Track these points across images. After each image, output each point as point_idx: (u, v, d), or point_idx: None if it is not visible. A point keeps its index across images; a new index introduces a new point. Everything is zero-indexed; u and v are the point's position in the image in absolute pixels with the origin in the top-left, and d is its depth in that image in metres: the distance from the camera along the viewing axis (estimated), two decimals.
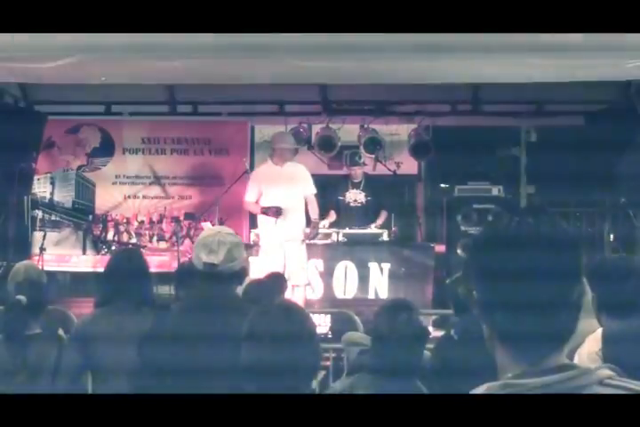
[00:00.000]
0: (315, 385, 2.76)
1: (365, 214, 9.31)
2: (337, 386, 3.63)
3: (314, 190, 8.40)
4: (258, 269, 7.96)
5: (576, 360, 2.95)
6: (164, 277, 8.65)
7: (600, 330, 3.09)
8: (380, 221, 9.26)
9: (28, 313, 4.57)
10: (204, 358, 3.03)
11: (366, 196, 9.38)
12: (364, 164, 9.47)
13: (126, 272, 4.29)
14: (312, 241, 8.67)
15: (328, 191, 9.30)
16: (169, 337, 3.22)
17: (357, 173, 9.39)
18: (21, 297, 4.48)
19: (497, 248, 1.59)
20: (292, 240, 8.17)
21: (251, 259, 8.31)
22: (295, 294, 8.03)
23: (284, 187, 8.16)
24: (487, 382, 1.59)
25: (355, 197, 9.40)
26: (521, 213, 1.63)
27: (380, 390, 3.24)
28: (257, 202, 8.32)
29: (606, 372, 1.56)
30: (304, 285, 8.28)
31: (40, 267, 5.57)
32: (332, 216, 9.33)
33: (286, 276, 7.35)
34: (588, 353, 3.04)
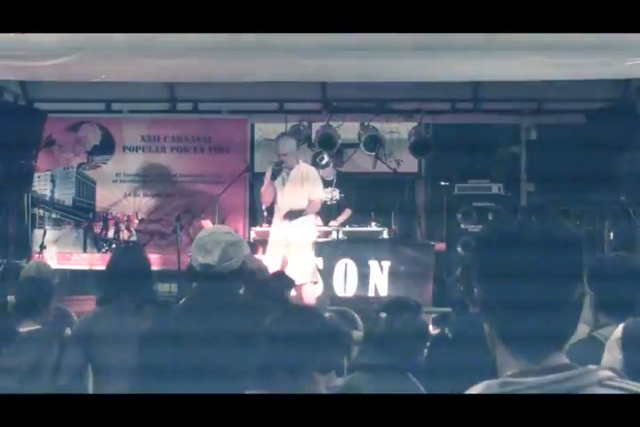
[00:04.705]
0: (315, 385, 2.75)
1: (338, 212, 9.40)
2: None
3: (320, 194, 8.47)
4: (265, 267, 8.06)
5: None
6: (163, 276, 8.67)
7: (622, 324, 3.05)
8: (342, 218, 9.32)
9: (28, 312, 4.58)
10: (203, 357, 3.03)
11: (340, 193, 9.47)
12: (328, 164, 9.51)
13: (130, 270, 4.29)
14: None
15: None
16: (167, 337, 3.22)
17: (329, 170, 9.46)
18: (10, 297, 4.51)
19: (500, 247, 1.59)
20: (300, 239, 8.24)
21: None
22: (302, 292, 8.13)
23: (293, 189, 8.30)
24: (484, 381, 1.60)
25: (329, 195, 9.46)
26: (524, 211, 1.64)
27: (376, 389, 3.25)
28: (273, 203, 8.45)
29: (606, 373, 1.56)
30: (311, 282, 8.32)
31: (51, 266, 5.60)
32: (347, 213, 9.38)
33: (292, 274, 7.47)
34: (609, 343, 3.01)
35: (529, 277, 1.54)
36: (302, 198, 8.36)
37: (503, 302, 1.57)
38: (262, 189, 8.46)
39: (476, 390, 1.59)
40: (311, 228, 8.52)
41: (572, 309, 1.58)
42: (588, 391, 1.53)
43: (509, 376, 1.56)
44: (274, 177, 8.29)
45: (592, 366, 1.57)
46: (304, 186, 8.34)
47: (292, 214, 8.29)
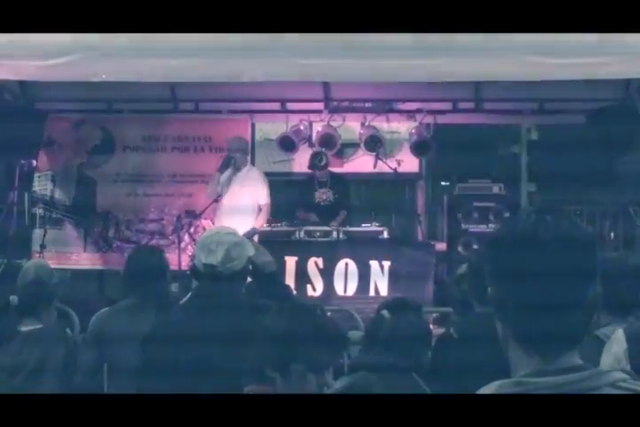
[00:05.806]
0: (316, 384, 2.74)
1: (333, 213, 9.40)
2: (337, 385, 3.63)
3: (266, 200, 8.58)
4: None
5: (603, 360, 2.91)
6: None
7: (621, 330, 3.04)
8: (338, 219, 9.32)
9: (28, 312, 4.59)
10: (205, 358, 3.03)
11: (334, 194, 9.47)
12: (326, 166, 9.51)
13: (150, 270, 4.33)
14: (312, 239, 8.79)
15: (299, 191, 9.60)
16: (169, 337, 3.22)
17: (323, 172, 9.48)
18: (13, 297, 4.51)
19: (516, 246, 1.59)
20: None
21: None
22: None
23: (237, 192, 8.50)
24: (496, 381, 1.59)
25: (323, 196, 9.47)
26: (539, 211, 1.63)
27: (380, 390, 3.24)
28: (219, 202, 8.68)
29: (620, 374, 1.56)
30: None
31: (51, 265, 5.63)
32: (342, 215, 9.38)
33: None
34: (614, 353, 3.00)
35: (544, 277, 1.53)
36: (243, 200, 8.50)
37: (518, 302, 1.56)
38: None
39: (488, 389, 1.59)
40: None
41: (586, 309, 1.58)
42: (601, 392, 1.52)
43: (522, 376, 1.56)
44: (221, 170, 8.50)
45: (605, 368, 1.57)
46: (244, 188, 8.49)
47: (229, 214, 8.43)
